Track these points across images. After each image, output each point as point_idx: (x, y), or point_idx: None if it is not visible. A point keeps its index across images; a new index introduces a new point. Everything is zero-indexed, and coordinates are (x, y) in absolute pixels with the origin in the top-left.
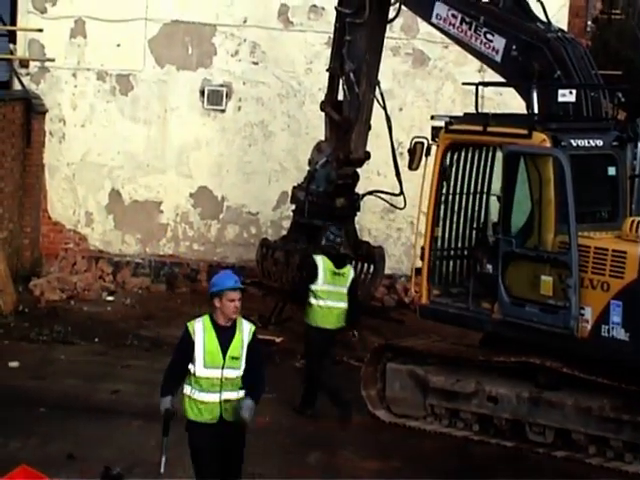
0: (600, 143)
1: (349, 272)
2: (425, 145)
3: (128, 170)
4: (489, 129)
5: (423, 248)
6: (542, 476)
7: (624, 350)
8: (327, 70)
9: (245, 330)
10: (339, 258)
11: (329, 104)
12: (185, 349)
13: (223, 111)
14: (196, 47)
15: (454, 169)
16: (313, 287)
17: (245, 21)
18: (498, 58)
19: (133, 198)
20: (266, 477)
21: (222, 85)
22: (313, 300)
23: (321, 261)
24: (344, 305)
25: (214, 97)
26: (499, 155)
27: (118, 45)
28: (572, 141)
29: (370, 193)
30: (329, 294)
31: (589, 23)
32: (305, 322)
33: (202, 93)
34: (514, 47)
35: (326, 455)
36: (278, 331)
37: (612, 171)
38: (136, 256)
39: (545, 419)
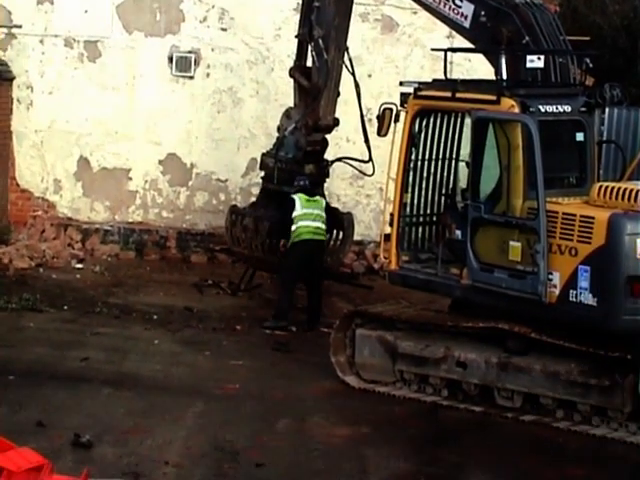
0: (568, 109)
1: (320, 199)
2: (394, 111)
3: (96, 137)
4: (458, 95)
5: (392, 214)
6: (510, 440)
7: (592, 315)
8: (296, 36)
9: None
10: (310, 192)
11: (298, 70)
12: None
13: (192, 78)
14: (164, 13)
15: (423, 135)
16: (293, 215)
17: None
18: (467, 24)
19: (102, 165)
20: (235, 444)
21: (190, 52)
22: (294, 227)
23: (296, 196)
24: (320, 224)
25: (182, 64)
26: (468, 121)
27: (85, 11)
28: (540, 107)
29: (339, 160)
30: (305, 215)
31: None
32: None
33: (170, 60)
34: (483, 13)
35: (296, 422)
36: (248, 298)
37: (580, 137)
38: (105, 223)
39: (513, 384)
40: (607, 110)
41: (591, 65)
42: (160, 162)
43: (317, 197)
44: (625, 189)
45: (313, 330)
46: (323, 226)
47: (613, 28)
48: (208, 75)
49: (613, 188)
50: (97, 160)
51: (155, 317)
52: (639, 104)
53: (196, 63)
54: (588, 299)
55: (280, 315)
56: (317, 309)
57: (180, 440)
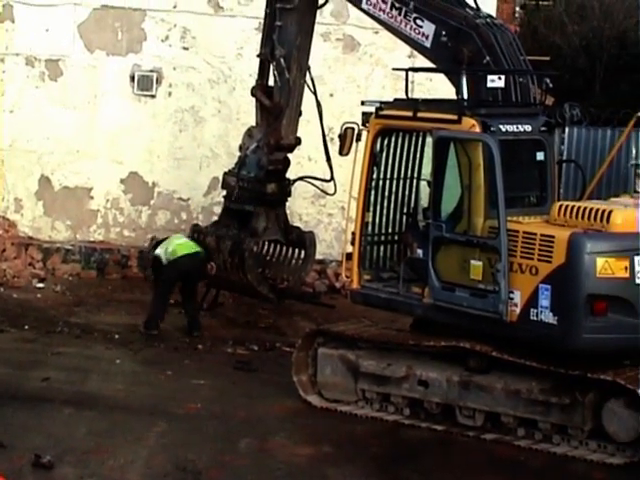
0: (529, 128)
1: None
2: (355, 130)
3: (58, 156)
4: (419, 114)
5: (354, 233)
6: (472, 459)
7: (552, 333)
8: (258, 56)
9: None
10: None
11: (260, 89)
12: None
13: (153, 97)
14: (126, 32)
15: (384, 154)
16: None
17: (175, 6)
18: (428, 44)
19: (63, 184)
20: (197, 464)
21: (152, 70)
22: (170, 248)
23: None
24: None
25: (144, 82)
26: (429, 140)
27: (47, 30)
28: (501, 126)
29: (301, 179)
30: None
31: (517, 9)
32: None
33: (132, 78)
34: (444, 33)
35: (258, 441)
36: (210, 317)
37: (540, 156)
38: (66, 242)
39: (475, 402)
40: (567, 129)
41: (551, 85)
42: (122, 181)
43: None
44: (585, 208)
45: (195, 336)
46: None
47: (572, 48)
48: (170, 94)
49: (573, 207)
50: (58, 179)
51: (117, 336)
52: (598, 124)
53: (158, 82)
54: (549, 318)
55: (150, 324)
56: (195, 316)
57: (142, 460)
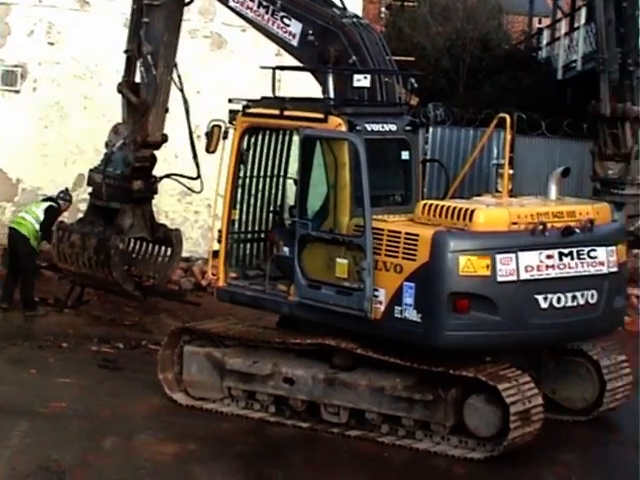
0: (394, 128)
1: (45, 204)
2: (222, 128)
3: None
4: (286, 113)
5: (220, 231)
6: (337, 456)
7: (416, 331)
8: (124, 52)
9: None
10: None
11: (126, 86)
12: None
13: (18, 92)
14: None
15: (251, 152)
16: None
17: (41, 0)
18: (295, 42)
19: None
20: (62, 463)
21: (17, 65)
22: None
23: None
24: (25, 214)
25: (8, 78)
26: (296, 139)
27: None
28: (367, 125)
29: (167, 176)
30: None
31: (383, 9)
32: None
33: None
34: (310, 32)
35: (123, 439)
36: (75, 314)
37: (405, 155)
38: None
39: (340, 399)
40: (431, 129)
41: (416, 85)
42: None
43: (46, 203)
44: (448, 207)
45: (26, 315)
46: (28, 217)
47: (437, 49)
48: (35, 89)
49: (437, 206)
50: None
51: None
52: (461, 124)
53: (22, 77)
54: (412, 315)
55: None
56: (22, 297)
57: (4, 460)
